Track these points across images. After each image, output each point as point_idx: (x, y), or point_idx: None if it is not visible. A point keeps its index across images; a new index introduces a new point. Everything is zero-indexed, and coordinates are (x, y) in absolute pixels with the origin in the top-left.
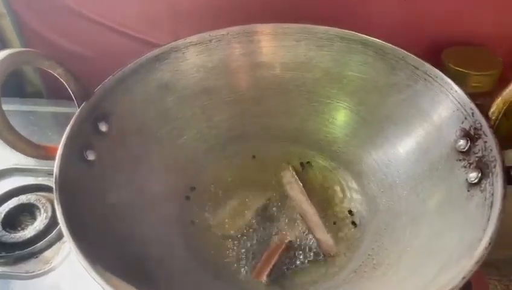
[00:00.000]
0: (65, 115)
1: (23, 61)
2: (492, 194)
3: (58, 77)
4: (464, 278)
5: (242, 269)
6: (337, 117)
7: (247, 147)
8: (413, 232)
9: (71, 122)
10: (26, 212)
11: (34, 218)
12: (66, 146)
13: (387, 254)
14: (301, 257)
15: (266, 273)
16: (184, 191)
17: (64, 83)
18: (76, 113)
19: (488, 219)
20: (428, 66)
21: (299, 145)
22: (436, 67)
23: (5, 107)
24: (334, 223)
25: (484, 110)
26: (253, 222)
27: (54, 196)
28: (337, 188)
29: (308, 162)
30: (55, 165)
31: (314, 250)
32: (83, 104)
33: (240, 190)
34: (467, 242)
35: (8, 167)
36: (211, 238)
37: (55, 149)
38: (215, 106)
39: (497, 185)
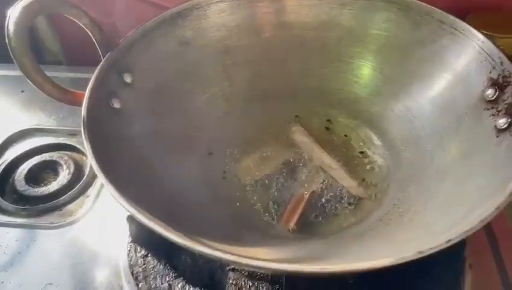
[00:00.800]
0: (84, 80)
1: (50, 7)
2: None
3: (83, 26)
4: (497, 208)
5: (269, 218)
6: (360, 76)
7: (268, 107)
8: (439, 182)
9: (96, 70)
10: (49, 169)
11: (56, 175)
12: (92, 92)
13: (413, 203)
14: (330, 204)
15: (294, 221)
16: (206, 147)
17: (89, 33)
18: (102, 62)
19: None
20: (454, 19)
21: (321, 105)
22: None
23: None
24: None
25: None
26: (276, 173)
27: (83, 135)
28: (361, 145)
29: (329, 120)
30: (83, 107)
31: (343, 196)
32: (108, 54)
33: (261, 146)
34: (498, 182)
35: (30, 126)
36: (235, 189)
37: (82, 95)
38: (236, 65)
39: None
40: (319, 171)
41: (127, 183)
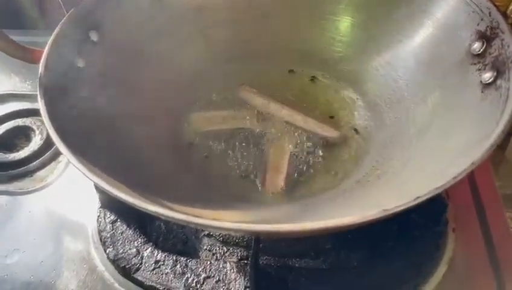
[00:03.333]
0: None
1: None
2: (508, 89)
3: None
4: (473, 163)
5: (247, 182)
6: (344, 34)
7: (247, 68)
8: (420, 141)
9: (58, 26)
10: (22, 135)
11: (29, 140)
12: (52, 49)
13: (392, 164)
14: (307, 159)
15: (282, 181)
16: (179, 111)
17: None
18: (65, 18)
19: (503, 112)
20: None
21: (304, 65)
22: None
23: None
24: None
25: None
26: (245, 133)
27: (38, 94)
28: (343, 106)
29: (312, 79)
30: (41, 64)
31: (317, 142)
32: (71, 10)
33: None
34: (477, 138)
35: (4, 92)
36: (205, 153)
37: (41, 53)
38: (213, 24)
39: None
40: (286, 127)
41: (87, 147)
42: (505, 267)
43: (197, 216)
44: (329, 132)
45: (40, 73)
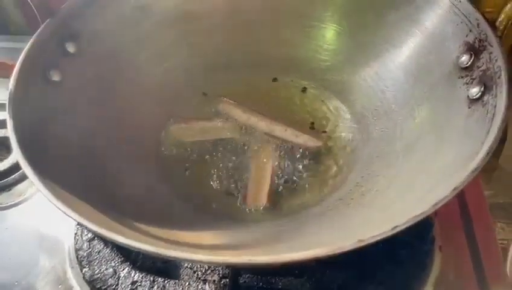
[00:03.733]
0: None
1: None
2: (495, 106)
3: None
4: (454, 189)
5: (230, 198)
6: (332, 42)
7: (232, 78)
8: (407, 157)
9: (32, 39)
10: (2, 145)
11: (9, 152)
12: (25, 63)
13: (377, 181)
14: (290, 172)
15: (265, 196)
16: (162, 123)
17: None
18: (39, 30)
19: (488, 131)
20: None
21: (289, 74)
22: None
23: None
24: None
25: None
26: (227, 146)
27: (7, 114)
28: (329, 117)
29: (298, 88)
30: (11, 80)
31: (300, 155)
32: (46, 21)
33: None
34: (463, 158)
35: None
36: (191, 169)
37: (13, 67)
38: (197, 32)
39: (501, 96)
40: (268, 139)
41: (59, 168)
42: (493, 286)
43: (170, 243)
44: (311, 142)
45: (10, 90)
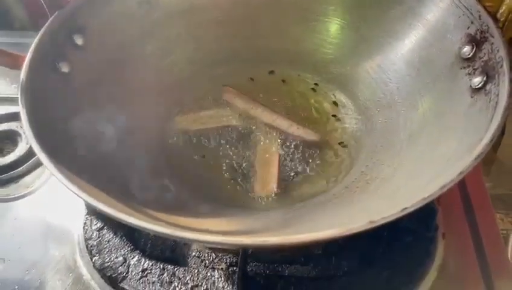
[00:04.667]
0: None
1: None
2: (498, 94)
3: None
4: (461, 173)
5: (238, 187)
6: (335, 36)
7: (236, 70)
8: (410, 146)
9: (41, 31)
10: (8, 139)
11: (15, 145)
12: (35, 54)
13: (382, 169)
14: (298, 160)
15: (275, 183)
16: (167, 113)
17: None
18: (48, 23)
19: (492, 118)
20: None
21: (294, 67)
22: None
23: None
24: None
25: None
26: (232, 134)
27: (19, 103)
28: (334, 109)
29: (302, 81)
30: (23, 70)
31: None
32: (55, 13)
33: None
34: (467, 145)
35: None
36: (198, 158)
37: (24, 58)
38: (202, 25)
39: (503, 84)
40: (270, 130)
41: (71, 157)
42: (495, 273)
43: (183, 227)
44: (309, 135)
45: (22, 79)
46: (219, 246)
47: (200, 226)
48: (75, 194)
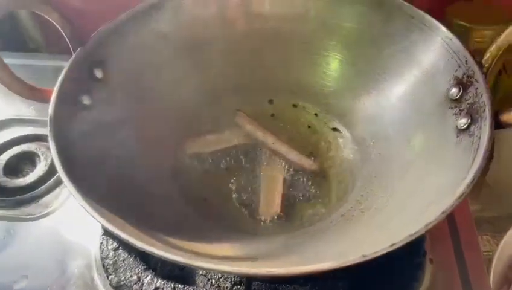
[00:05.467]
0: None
1: (19, 4)
2: (480, 137)
3: (54, 22)
4: (443, 213)
5: (243, 209)
6: (334, 69)
7: (243, 100)
8: (402, 177)
9: (66, 66)
10: (27, 160)
11: (34, 166)
12: (61, 89)
13: (375, 199)
14: (299, 187)
15: (278, 205)
16: (179, 137)
17: (60, 29)
18: (72, 58)
19: (473, 160)
20: (422, 14)
21: (294, 97)
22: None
23: (6, 60)
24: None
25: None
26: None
27: (48, 135)
28: (330, 140)
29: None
30: (50, 106)
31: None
32: (78, 50)
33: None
34: (452, 182)
35: (8, 117)
36: (207, 183)
37: (50, 92)
38: (211, 58)
39: (485, 128)
40: (274, 155)
41: (93, 185)
42: None
43: (196, 254)
44: (308, 165)
45: (50, 116)
46: (227, 274)
47: (206, 250)
48: (98, 221)
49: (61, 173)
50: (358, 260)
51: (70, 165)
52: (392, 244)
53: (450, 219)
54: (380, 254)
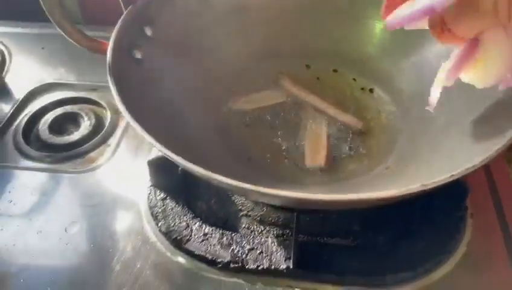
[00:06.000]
0: (102, 39)
1: None
2: None
3: None
4: (497, 151)
5: (286, 160)
6: (374, 36)
7: (281, 65)
8: (446, 134)
9: (119, 22)
10: (71, 120)
11: (78, 126)
12: (116, 42)
13: (420, 155)
14: (341, 142)
15: (324, 156)
16: (222, 97)
17: None
18: (123, 15)
19: None
20: None
21: (335, 63)
22: None
23: (45, 31)
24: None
25: None
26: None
27: (108, 79)
28: (371, 102)
29: (344, 75)
30: (108, 55)
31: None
32: (129, 7)
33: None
34: (499, 129)
35: (51, 81)
36: (251, 137)
37: (106, 44)
38: (250, 24)
39: None
40: (319, 114)
41: (149, 122)
42: None
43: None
44: (353, 122)
45: (109, 63)
46: (278, 203)
47: None
48: (156, 147)
49: (123, 110)
50: (419, 189)
51: (131, 106)
52: (452, 175)
53: (489, 176)
54: (439, 183)
